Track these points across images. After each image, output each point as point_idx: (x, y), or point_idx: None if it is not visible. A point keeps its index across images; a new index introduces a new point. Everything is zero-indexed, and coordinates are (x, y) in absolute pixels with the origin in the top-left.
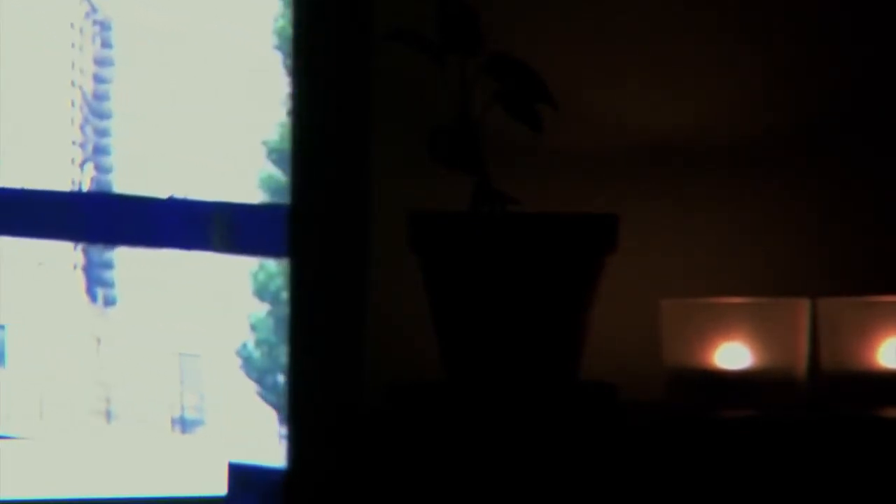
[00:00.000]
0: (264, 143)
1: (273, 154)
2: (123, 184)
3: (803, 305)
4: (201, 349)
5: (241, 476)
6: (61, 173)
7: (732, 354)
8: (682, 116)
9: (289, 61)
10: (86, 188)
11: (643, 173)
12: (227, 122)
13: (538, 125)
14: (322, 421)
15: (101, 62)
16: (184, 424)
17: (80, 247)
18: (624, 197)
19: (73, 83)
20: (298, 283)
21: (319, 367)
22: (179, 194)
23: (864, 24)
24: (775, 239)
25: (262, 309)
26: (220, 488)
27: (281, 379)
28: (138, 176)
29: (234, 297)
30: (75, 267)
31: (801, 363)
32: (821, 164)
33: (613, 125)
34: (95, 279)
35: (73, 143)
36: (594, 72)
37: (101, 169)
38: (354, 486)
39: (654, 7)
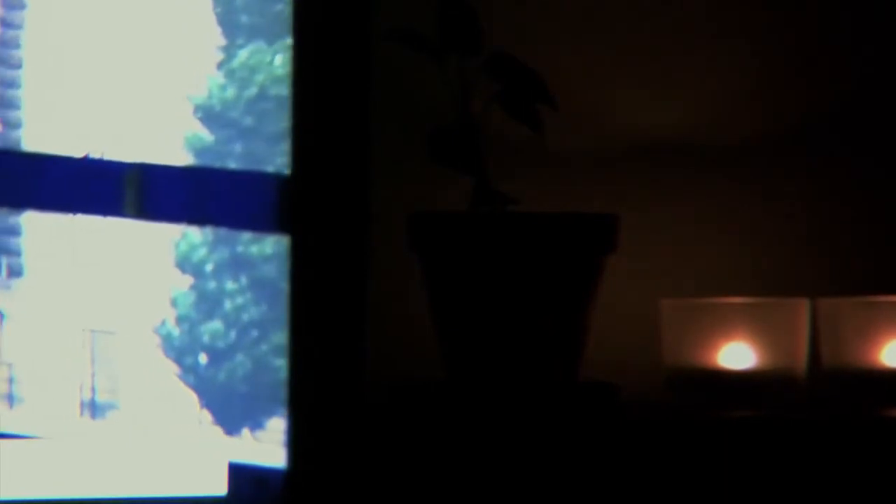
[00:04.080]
0: (190, 99)
1: (199, 112)
2: (34, 141)
3: (803, 305)
4: (116, 326)
5: (242, 476)
6: None
7: (732, 354)
8: (682, 117)
9: (219, 9)
10: None
11: (643, 173)
12: (150, 76)
13: (538, 125)
14: (322, 420)
15: (9, 5)
16: (94, 409)
17: None
18: (624, 197)
19: None
20: (298, 282)
21: (320, 366)
22: (96, 154)
23: (863, 24)
24: (775, 239)
25: (183, 283)
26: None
27: (202, 360)
28: (51, 132)
29: (154, 269)
30: None
31: (801, 363)
32: (820, 164)
33: (613, 125)
34: (0, 247)
35: None
36: (594, 72)
37: (8, 124)
38: (354, 485)
39: (654, 7)
